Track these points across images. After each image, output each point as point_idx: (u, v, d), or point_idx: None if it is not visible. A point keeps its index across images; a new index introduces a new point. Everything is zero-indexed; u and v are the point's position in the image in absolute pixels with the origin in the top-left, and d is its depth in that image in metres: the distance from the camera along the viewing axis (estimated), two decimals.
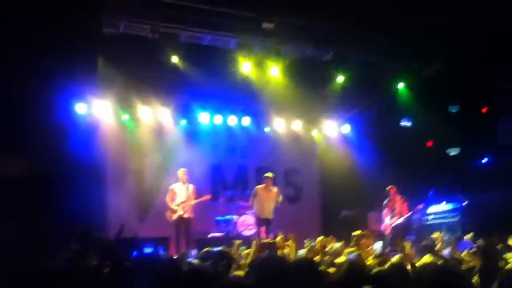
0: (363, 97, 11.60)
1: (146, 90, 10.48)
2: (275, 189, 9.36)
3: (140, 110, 10.68)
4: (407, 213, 9.54)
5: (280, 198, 9.32)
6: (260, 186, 9.33)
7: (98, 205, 9.49)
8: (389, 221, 9.63)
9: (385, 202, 9.78)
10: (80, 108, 10.08)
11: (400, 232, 9.27)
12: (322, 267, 4.13)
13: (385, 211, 9.77)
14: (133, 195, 10.33)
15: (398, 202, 9.62)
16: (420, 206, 9.57)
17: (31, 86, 8.52)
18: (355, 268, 4.15)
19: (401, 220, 9.50)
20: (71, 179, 8.91)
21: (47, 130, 8.93)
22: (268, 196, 9.19)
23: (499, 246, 5.77)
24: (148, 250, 7.09)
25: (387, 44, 10.27)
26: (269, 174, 9.35)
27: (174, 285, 2.62)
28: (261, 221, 9.20)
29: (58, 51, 8.79)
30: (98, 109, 10.30)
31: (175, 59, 10.29)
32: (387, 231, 9.58)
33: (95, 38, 9.30)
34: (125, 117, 10.68)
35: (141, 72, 10.11)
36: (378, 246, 6.44)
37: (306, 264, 3.84)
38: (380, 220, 9.92)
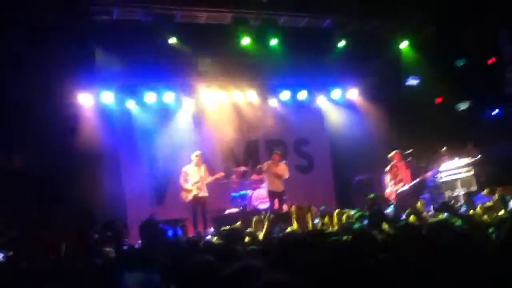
0: (367, 61, 11.42)
1: (148, 75, 10.44)
2: (283, 164, 9.71)
3: (145, 95, 10.66)
4: (411, 180, 9.31)
5: (287, 173, 9.67)
6: (269, 161, 9.75)
7: (114, 193, 9.62)
8: (393, 188, 9.41)
9: (387, 168, 9.56)
10: (84, 98, 10.08)
11: (406, 199, 9.11)
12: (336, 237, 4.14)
13: (387, 178, 9.55)
14: (148, 180, 10.43)
15: (402, 168, 9.42)
16: (428, 174, 9.37)
17: (31, 81, 8.50)
18: (363, 235, 4.18)
19: (406, 187, 9.29)
20: (84, 171, 8.99)
21: (53, 123, 8.97)
22: (277, 170, 9.54)
23: None
24: (168, 232, 7.27)
25: (385, 5, 10.04)
26: (277, 151, 9.94)
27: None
28: (272, 195, 9.42)
29: (55, 44, 8.76)
30: (103, 98, 10.31)
31: (173, 40, 10.21)
32: (392, 198, 9.46)
33: (87, 26, 9.23)
34: (131, 103, 10.68)
35: (141, 57, 10.06)
36: (390, 208, 6.46)
37: (317, 235, 3.89)
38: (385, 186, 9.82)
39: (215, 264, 2.44)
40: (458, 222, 4.21)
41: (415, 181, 9.33)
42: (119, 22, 9.81)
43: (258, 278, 1.81)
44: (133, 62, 9.99)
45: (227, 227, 5.94)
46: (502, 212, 4.59)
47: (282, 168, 9.62)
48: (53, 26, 8.78)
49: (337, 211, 6.40)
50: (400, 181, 9.42)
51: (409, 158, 9.55)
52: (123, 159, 10.36)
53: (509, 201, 5.09)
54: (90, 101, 10.15)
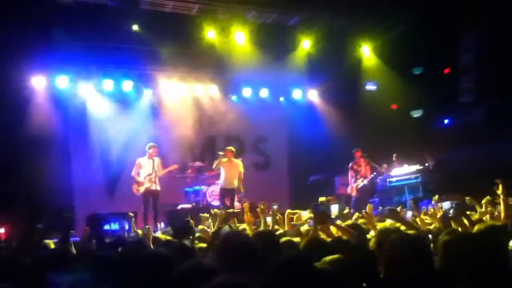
0: (328, 63, 11.58)
1: (107, 61, 10.14)
2: (237, 161, 9.54)
3: (102, 82, 10.34)
4: (369, 175, 9.81)
5: (241, 170, 9.47)
6: (224, 159, 9.44)
7: (63, 182, 9.32)
8: (354, 184, 9.86)
9: (350, 165, 10.01)
10: (37, 81, 9.69)
11: (366, 193, 9.55)
12: (287, 238, 4.17)
13: (350, 173, 10.01)
14: (99, 170, 10.16)
15: (363, 164, 9.90)
16: (383, 169, 9.82)
17: None
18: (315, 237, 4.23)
19: (365, 181, 9.77)
20: (33, 155, 8.68)
21: (4, 106, 8.61)
22: (231, 168, 9.35)
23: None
24: (114, 226, 7.10)
25: (351, 7, 10.20)
26: (230, 148, 9.52)
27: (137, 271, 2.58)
28: (225, 192, 9.35)
29: (9, 23, 8.38)
30: (58, 82, 9.93)
31: (136, 27, 9.98)
32: (354, 193, 9.84)
33: (48, 6, 8.88)
34: (87, 89, 10.33)
35: (101, 42, 9.77)
36: (334, 209, 6.58)
37: (266, 236, 3.89)
38: (346, 184, 10.15)
39: (169, 259, 2.38)
40: (402, 228, 4.32)
41: (372, 176, 9.76)
42: (82, 4, 9.48)
43: (210, 279, 1.76)
44: (93, 47, 9.71)
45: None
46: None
47: (237, 165, 9.48)
48: (14, 4, 8.40)
49: (287, 211, 6.44)
50: (361, 177, 9.87)
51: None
52: (74, 147, 10.03)
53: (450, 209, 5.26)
54: (43, 84, 9.77)
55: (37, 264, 2.97)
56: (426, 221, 5.44)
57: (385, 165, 9.99)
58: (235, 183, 9.36)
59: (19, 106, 9.06)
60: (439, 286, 2.20)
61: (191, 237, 4.40)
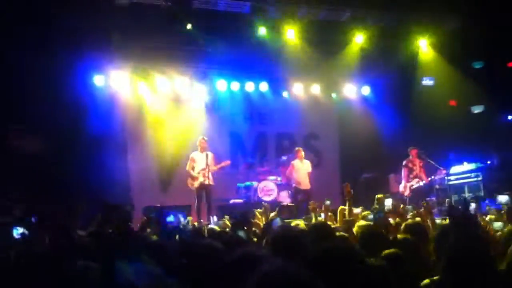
0: (383, 58, 11.28)
1: (162, 60, 10.46)
2: (307, 162, 9.90)
3: (158, 80, 10.70)
4: (424, 177, 9.45)
5: (310, 170, 9.88)
6: (295, 160, 9.83)
7: (121, 177, 9.70)
8: (408, 183, 9.56)
9: (404, 162, 9.70)
10: (98, 80, 10.18)
11: (420, 194, 9.19)
12: (340, 233, 4.11)
13: (404, 171, 9.70)
14: (154, 165, 10.50)
15: (417, 165, 9.56)
16: (442, 172, 9.40)
17: (46, 61, 8.58)
18: (373, 232, 4.14)
19: (421, 183, 9.42)
20: (92, 151, 9.09)
21: (67, 104, 9.07)
22: (302, 168, 9.76)
23: None
24: (170, 218, 7.30)
25: (404, 2, 9.88)
26: (299, 148, 10.01)
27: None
28: (299, 192, 9.68)
29: (70, 25, 8.82)
30: (116, 81, 10.37)
31: (189, 26, 10.22)
32: (406, 193, 9.51)
33: (106, 9, 9.27)
34: (143, 87, 10.72)
35: (156, 42, 10.09)
36: (388, 203, 6.41)
37: (320, 228, 3.86)
38: (399, 182, 9.85)
39: (221, 249, 2.43)
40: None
41: (430, 179, 9.44)
42: (137, 6, 9.83)
43: (260, 266, 1.77)
44: (148, 46, 10.04)
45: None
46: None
47: (307, 165, 9.81)
48: (74, 8, 8.84)
49: (340, 207, 6.35)
50: (415, 177, 9.54)
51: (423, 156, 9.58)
52: (131, 143, 10.42)
53: None
54: (103, 83, 10.23)
55: (103, 249, 3.10)
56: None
57: (443, 171, 9.51)
58: (308, 183, 9.67)
59: (81, 104, 9.51)
60: None
61: (246, 228, 4.43)
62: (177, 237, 3.84)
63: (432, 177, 9.48)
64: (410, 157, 9.65)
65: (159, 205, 8.10)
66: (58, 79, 8.86)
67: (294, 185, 9.81)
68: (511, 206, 4.37)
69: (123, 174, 9.82)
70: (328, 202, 6.38)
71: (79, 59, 9.31)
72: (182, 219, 7.20)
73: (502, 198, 4.50)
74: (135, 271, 2.28)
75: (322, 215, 6.47)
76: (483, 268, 2.30)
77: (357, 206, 6.89)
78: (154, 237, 4.30)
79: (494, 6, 9.62)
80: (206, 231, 5.00)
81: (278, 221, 5.63)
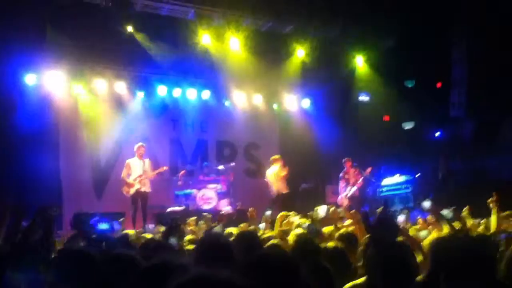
0: (322, 72, 11.64)
1: (100, 62, 10.10)
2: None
3: (95, 83, 10.28)
4: (358, 183, 9.79)
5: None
6: (274, 166, 9.74)
7: (52, 180, 9.21)
8: (344, 193, 9.86)
9: (341, 175, 10.01)
10: (29, 79, 9.61)
11: (356, 203, 9.53)
12: (272, 241, 4.13)
13: (341, 183, 10.01)
14: (89, 170, 10.06)
15: (352, 174, 9.89)
16: (368, 171, 9.76)
17: None
18: (305, 240, 4.20)
19: (354, 189, 9.76)
20: (21, 153, 8.57)
21: None
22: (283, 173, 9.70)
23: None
24: (103, 226, 7.00)
25: (344, 18, 10.30)
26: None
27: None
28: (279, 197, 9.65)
29: (3, 20, 8.32)
30: (49, 80, 9.84)
31: (130, 28, 9.96)
32: (345, 203, 9.79)
33: (42, 5, 8.84)
34: (79, 89, 10.26)
35: (95, 42, 9.74)
36: (322, 210, 6.58)
37: (248, 237, 3.86)
38: (337, 193, 10.15)
39: (135, 259, 2.32)
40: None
41: (360, 182, 9.77)
42: (75, 4, 9.44)
43: (178, 274, 1.70)
44: (86, 47, 9.68)
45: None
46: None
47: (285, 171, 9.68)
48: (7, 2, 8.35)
49: (280, 214, 6.40)
50: (351, 185, 9.83)
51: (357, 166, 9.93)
52: (64, 146, 9.94)
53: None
54: (36, 81, 9.68)
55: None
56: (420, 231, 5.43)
57: (368, 169, 9.93)
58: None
59: (11, 102, 8.95)
60: None
61: (178, 235, 4.33)
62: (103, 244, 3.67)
63: (362, 178, 9.72)
64: (345, 168, 9.97)
65: (90, 211, 7.74)
66: None
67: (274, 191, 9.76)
68: (434, 208, 4.62)
69: (54, 177, 9.33)
70: (268, 213, 6.42)
71: (13, 55, 8.76)
72: (116, 226, 6.95)
73: (426, 204, 4.78)
74: (27, 281, 2.16)
75: (262, 225, 6.50)
76: (399, 273, 2.41)
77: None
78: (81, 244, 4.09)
79: (427, 30, 10.29)
80: (135, 239, 4.83)
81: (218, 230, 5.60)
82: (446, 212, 4.56)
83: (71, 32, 9.43)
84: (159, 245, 3.48)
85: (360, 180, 9.73)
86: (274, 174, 9.60)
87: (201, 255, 2.50)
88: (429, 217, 5.91)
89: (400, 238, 3.73)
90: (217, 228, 5.15)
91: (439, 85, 11.98)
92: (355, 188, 9.76)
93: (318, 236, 4.35)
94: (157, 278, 1.86)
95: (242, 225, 6.19)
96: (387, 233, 3.96)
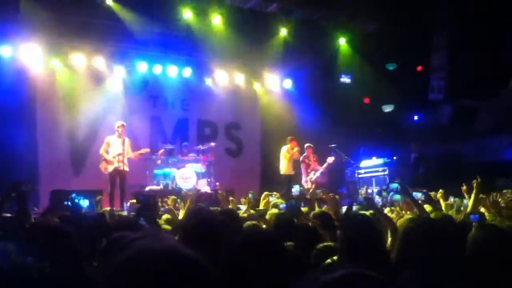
0: (305, 52, 11.58)
1: (78, 35, 9.79)
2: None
3: (72, 57, 10.00)
4: (319, 167, 9.94)
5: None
6: (288, 146, 9.96)
7: (28, 156, 9.02)
8: (307, 177, 9.98)
9: (301, 158, 10.10)
10: (4, 50, 9.30)
11: (320, 185, 9.58)
12: (251, 222, 4.17)
13: (302, 167, 10.13)
14: (66, 146, 9.88)
15: (312, 159, 10.04)
16: (330, 160, 9.88)
17: None
18: (284, 219, 4.26)
19: (318, 173, 9.90)
20: None
21: None
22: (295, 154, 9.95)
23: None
24: (81, 202, 6.92)
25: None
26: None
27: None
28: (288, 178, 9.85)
29: None
30: (25, 53, 9.53)
31: (109, 1, 9.70)
32: (307, 186, 9.85)
33: None
34: (56, 63, 9.98)
35: (71, 14, 9.43)
36: (296, 189, 6.64)
37: (229, 213, 3.89)
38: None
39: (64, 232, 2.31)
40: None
41: (323, 166, 9.91)
42: None
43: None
44: (64, 19, 9.36)
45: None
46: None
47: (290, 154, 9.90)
48: None
49: (264, 194, 6.43)
50: (312, 170, 10.02)
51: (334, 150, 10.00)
52: (40, 121, 9.70)
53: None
54: (11, 53, 9.37)
55: None
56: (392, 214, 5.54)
57: (331, 158, 10.05)
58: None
59: None
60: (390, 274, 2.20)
61: (148, 213, 4.31)
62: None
63: (326, 164, 9.87)
64: (306, 153, 10.06)
65: (68, 189, 7.62)
66: None
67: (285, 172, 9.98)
68: (403, 191, 4.68)
69: (31, 153, 9.14)
70: (250, 195, 6.44)
71: None
72: (93, 204, 6.87)
73: (393, 186, 4.83)
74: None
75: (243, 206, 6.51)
76: (370, 249, 2.47)
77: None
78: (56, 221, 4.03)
79: (410, 15, 10.30)
80: (110, 217, 4.79)
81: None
82: (417, 194, 4.64)
83: (46, 2, 9.10)
84: (130, 223, 3.46)
85: (325, 165, 9.85)
86: (283, 154, 9.92)
87: (186, 234, 2.48)
88: (403, 200, 6.02)
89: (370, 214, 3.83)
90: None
91: (419, 68, 12.09)
92: (319, 171, 9.88)
93: (298, 212, 4.40)
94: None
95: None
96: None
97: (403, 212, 5.13)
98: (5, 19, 8.74)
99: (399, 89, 11.24)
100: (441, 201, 5.60)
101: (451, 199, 5.53)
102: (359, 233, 2.61)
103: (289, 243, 2.95)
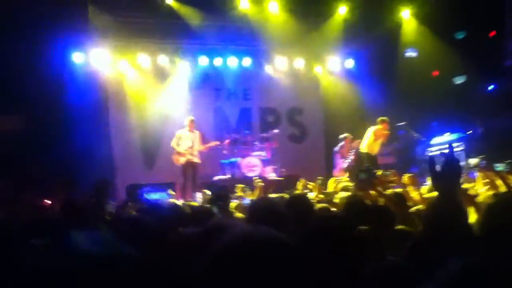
0: (366, 30, 11.17)
1: (142, 36, 10.23)
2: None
3: (139, 57, 10.48)
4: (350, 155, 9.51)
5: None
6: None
7: (104, 155, 9.60)
8: (340, 166, 9.64)
9: (336, 149, 9.81)
10: (77, 57, 9.93)
11: (353, 170, 9.14)
12: (322, 205, 4.14)
13: (337, 157, 9.81)
14: (138, 142, 10.41)
15: (347, 150, 9.68)
16: (356, 144, 9.43)
17: (23, 39, 8.36)
18: (356, 201, 4.18)
19: (347, 162, 9.47)
20: (73, 129, 8.97)
21: (47, 83, 8.89)
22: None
23: None
24: (155, 195, 7.29)
25: None
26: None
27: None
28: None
29: (46, 3, 8.57)
30: (95, 58, 10.12)
31: (169, 0, 10.00)
32: (342, 175, 9.49)
33: None
34: (124, 64, 10.50)
35: (135, 16, 9.87)
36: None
37: (299, 201, 3.88)
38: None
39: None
40: None
41: (351, 154, 9.47)
42: None
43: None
44: (128, 22, 9.83)
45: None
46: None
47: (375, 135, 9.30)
48: None
49: (332, 179, 6.38)
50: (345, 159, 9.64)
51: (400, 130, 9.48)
52: (113, 121, 10.29)
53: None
54: (82, 60, 9.98)
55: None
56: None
57: (358, 141, 9.56)
58: None
59: (61, 82, 9.32)
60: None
61: (222, 203, 4.43)
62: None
63: (353, 151, 9.41)
64: (343, 143, 9.74)
65: (142, 182, 8.05)
66: (37, 58, 8.67)
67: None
68: (484, 165, 4.38)
69: (107, 152, 9.73)
70: (319, 181, 6.41)
71: (56, 37, 9.05)
72: (167, 196, 7.21)
73: (472, 161, 4.53)
74: (90, 240, 2.28)
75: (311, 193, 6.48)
76: (455, 225, 2.35)
77: None
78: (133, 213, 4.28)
79: None
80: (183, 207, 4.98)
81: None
82: (499, 166, 4.33)
83: (111, 7, 9.58)
84: (207, 212, 3.57)
85: (351, 153, 9.43)
86: (373, 132, 9.23)
87: (252, 219, 2.53)
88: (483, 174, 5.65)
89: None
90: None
91: (492, 34, 11.19)
92: (347, 162, 9.45)
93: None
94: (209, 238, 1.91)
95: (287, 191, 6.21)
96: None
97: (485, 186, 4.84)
98: (76, 28, 9.30)
99: (471, 59, 10.49)
100: None
101: None
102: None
103: (363, 227, 2.90)
